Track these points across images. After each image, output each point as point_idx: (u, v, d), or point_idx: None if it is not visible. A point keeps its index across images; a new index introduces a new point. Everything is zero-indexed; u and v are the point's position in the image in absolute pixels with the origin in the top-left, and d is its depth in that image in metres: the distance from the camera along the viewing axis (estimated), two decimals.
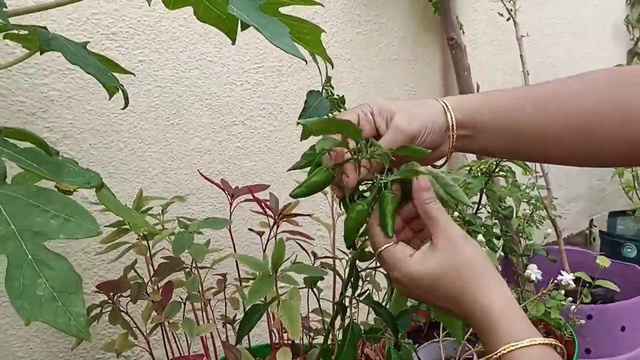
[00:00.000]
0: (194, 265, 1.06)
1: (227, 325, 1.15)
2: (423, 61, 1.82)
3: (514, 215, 1.22)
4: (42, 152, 0.58)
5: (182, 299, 0.98)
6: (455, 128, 0.67)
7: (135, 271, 0.99)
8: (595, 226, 2.11)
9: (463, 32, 1.74)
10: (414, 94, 1.81)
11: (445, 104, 0.67)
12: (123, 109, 0.92)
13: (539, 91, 0.68)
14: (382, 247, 0.63)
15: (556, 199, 1.74)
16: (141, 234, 0.99)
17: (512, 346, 0.54)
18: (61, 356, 1.24)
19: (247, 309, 0.81)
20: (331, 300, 1.13)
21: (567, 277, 1.15)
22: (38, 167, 0.50)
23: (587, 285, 1.28)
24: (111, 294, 0.95)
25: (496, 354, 0.54)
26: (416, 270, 0.60)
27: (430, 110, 0.67)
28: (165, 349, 1.05)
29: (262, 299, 0.83)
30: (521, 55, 1.61)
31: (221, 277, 1.13)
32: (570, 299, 1.20)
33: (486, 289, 0.58)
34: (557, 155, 0.69)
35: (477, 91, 1.67)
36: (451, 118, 0.66)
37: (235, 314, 1.18)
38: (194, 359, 0.85)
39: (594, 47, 2.57)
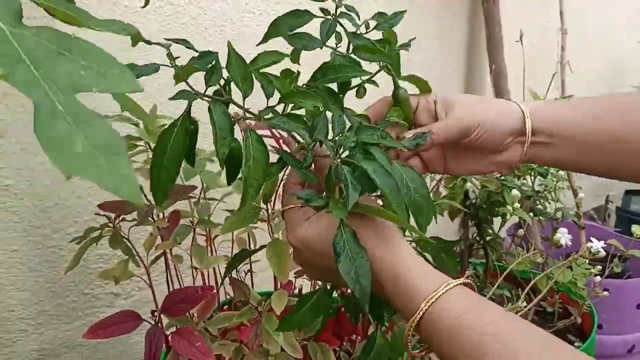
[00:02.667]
0: (202, 196, 0.97)
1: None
2: (450, 11, 1.71)
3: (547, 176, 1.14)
4: None
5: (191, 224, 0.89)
6: (531, 134, 0.64)
7: (144, 192, 0.89)
8: (611, 202, 2.05)
9: None
10: (437, 44, 1.70)
11: (522, 109, 0.64)
12: (143, 7, 0.81)
13: (620, 100, 0.65)
14: (286, 207, 0.60)
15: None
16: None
17: (432, 298, 0.51)
18: (47, 287, 1.15)
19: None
20: None
21: (597, 245, 1.08)
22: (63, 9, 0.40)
23: (619, 256, 1.22)
24: (113, 217, 0.85)
25: (419, 313, 0.52)
26: (307, 230, 0.58)
27: (499, 109, 0.64)
28: (168, 286, 0.96)
29: None
30: (561, 12, 1.50)
31: (230, 215, 1.03)
32: (599, 267, 1.13)
33: (392, 245, 0.56)
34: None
35: (503, 48, 1.56)
36: (528, 123, 0.63)
37: None
38: (205, 290, 0.76)
39: (625, 16, 2.49)
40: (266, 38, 0.65)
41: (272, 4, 1.35)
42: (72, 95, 0.35)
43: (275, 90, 0.60)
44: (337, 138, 0.57)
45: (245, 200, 0.52)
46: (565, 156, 0.64)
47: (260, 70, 0.60)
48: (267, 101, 0.59)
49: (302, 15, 0.65)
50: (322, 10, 0.66)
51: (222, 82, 0.57)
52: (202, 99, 0.56)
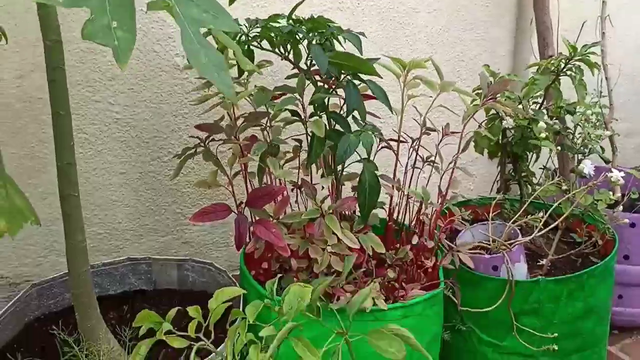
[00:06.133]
0: (268, 124, 1.17)
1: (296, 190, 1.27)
2: None
3: (576, 113, 1.27)
4: None
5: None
6: None
7: (229, 116, 1.11)
8: None
9: None
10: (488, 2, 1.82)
11: None
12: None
13: None
14: None
15: (617, 119, 1.77)
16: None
17: None
18: (147, 205, 1.40)
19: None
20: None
21: (617, 174, 1.21)
22: None
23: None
24: (204, 137, 1.08)
25: None
26: None
27: None
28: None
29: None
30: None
31: (297, 144, 1.24)
32: (618, 194, 1.26)
33: None
34: None
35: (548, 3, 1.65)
36: None
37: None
38: (280, 189, 0.97)
39: None
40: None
41: None
42: (198, 28, 0.56)
43: None
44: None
45: None
46: None
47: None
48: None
49: None
50: None
51: None
52: None
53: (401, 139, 1.26)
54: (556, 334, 1.17)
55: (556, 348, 1.14)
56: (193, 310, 0.73)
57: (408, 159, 1.28)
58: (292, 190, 1.29)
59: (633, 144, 2.50)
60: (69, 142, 0.88)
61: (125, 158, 1.35)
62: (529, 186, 1.45)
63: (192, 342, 0.68)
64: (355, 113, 1.12)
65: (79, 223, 0.87)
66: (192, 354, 0.65)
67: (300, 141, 1.26)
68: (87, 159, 1.30)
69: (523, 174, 1.44)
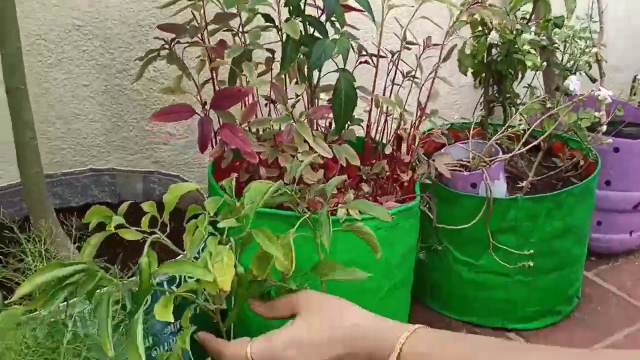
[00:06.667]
0: (241, 30, 1.10)
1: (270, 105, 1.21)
2: None
3: (564, 27, 1.22)
4: None
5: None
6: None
7: (194, 16, 1.03)
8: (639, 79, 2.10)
9: None
10: None
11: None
12: None
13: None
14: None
15: (604, 46, 1.71)
16: None
17: (406, 335, 0.57)
18: (114, 121, 1.34)
19: None
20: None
21: (604, 92, 1.17)
22: None
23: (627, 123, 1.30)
24: (169, 39, 1.00)
25: (397, 350, 0.56)
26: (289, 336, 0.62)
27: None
28: None
29: None
30: None
31: (270, 55, 1.17)
32: (602, 113, 1.22)
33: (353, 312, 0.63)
34: None
35: None
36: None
37: None
38: (246, 90, 0.91)
39: None
40: None
41: None
42: None
43: None
44: None
45: None
46: None
47: None
48: None
49: None
50: None
51: None
52: None
53: (381, 53, 1.20)
54: (532, 251, 1.15)
55: (532, 264, 1.12)
56: (147, 206, 0.68)
57: (387, 75, 1.22)
58: (265, 105, 1.23)
59: (622, 78, 2.47)
60: (13, 29, 0.80)
61: (88, 68, 1.27)
62: (512, 108, 1.40)
63: (146, 236, 0.64)
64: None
65: (27, 116, 0.80)
66: (147, 245, 0.60)
67: (273, 52, 1.19)
68: (47, 67, 1.22)
69: (507, 96, 1.39)
